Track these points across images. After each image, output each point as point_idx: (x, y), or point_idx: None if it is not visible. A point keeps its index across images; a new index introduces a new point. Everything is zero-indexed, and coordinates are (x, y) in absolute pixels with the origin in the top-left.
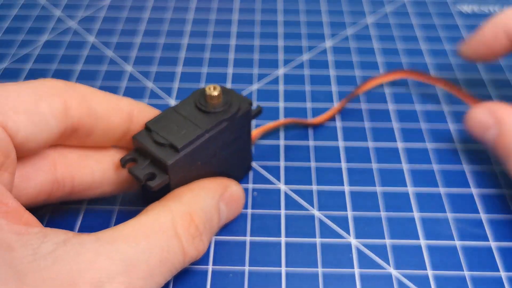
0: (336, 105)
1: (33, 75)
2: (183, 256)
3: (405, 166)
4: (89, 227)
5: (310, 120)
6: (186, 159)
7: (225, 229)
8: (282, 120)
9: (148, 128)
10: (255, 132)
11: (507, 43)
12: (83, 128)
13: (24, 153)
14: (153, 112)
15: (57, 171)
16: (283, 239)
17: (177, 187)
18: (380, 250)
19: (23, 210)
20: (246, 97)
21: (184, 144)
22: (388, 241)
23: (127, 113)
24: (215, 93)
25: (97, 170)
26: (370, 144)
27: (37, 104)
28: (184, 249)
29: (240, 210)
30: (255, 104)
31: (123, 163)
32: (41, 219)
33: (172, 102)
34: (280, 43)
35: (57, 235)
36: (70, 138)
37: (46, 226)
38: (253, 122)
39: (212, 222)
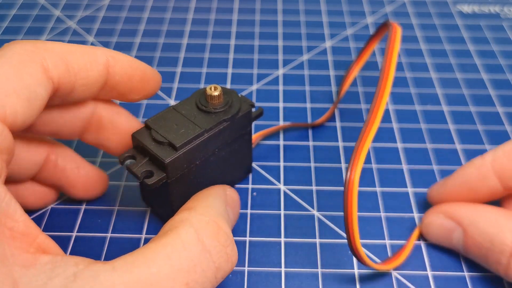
0: (332, 105)
1: None
2: (214, 273)
3: (405, 167)
4: (88, 227)
5: (310, 122)
6: (185, 157)
7: None
8: (281, 124)
9: (147, 126)
10: (254, 136)
11: (499, 188)
12: (64, 87)
13: (20, 131)
14: (128, 60)
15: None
16: (282, 240)
17: (175, 186)
18: (380, 251)
19: (36, 232)
20: (247, 98)
21: (183, 142)
22: (388, 242)
23: (103, 64)
24: (216, 93)
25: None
26: (370, 144)
27: (21, 77)
28: (215, 263)
29: (239, 212)
30: (253, 107)
31: (122, 160)
32: (40, 220)
33: (172, 102)
34: (280, 43)
35: (67, 268)
36: (52, 99)
37: (45, 226)
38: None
39: (221, 212)
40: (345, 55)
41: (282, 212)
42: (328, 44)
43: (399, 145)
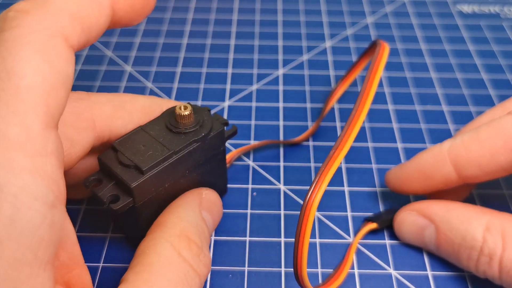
0: (313, 124)
1: None
2: (198, 277)
3: None
4: (88, 226)
5: (288, 140)
6: (152, 181)
7: (224, 229)
8: (257, 142)
9: (114, 148)
10: (230, 155)
11: (454, 177)
12: (81, 47)
13: None
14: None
15: (96, 127)
16: (282, 240)
17: (144, 210)
18: (380, 251)
19: (75, 264)
20: (221, 116)
21: (150, 165)
22: (388, 242)
23: (109, 6)
24: (186, 112)
25: (129, 122)
26: (370, 144)
27: (52, 66)
28: (196, 270)
29: (221, 212)
30: (226, 125)
31: (87, 184)
32: None
33: None
34: (280, 43)
35: None
36: None
37: None
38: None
39: (204, 233)
40: (345, 55)
41: (282, 212)
42: (328, 44)
43: (399, 145)
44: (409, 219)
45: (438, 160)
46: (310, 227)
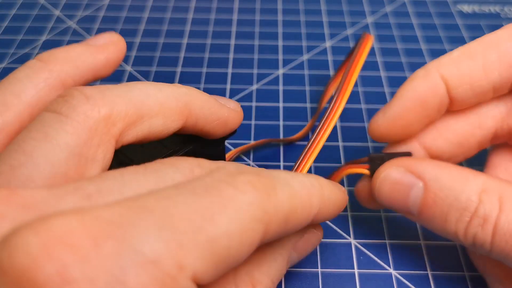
0: (309, 121)
1: None
2: None
3: None
4: None
5: (287, 138)
6: None
7: None
8: (256, 141)
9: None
10: (230, 154)
11: (446, 98)
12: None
13: None
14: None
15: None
16: None
17: None
18: (380, 250)
19: None
20: None
21: None
22: (388, 242)
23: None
24: None
25: None
26: (370, 144)
27: None
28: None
29: (315, 246)
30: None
31: None
32: None
33: None
34: (280, 43)
35: None
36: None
37: None
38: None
39: (280, 273)
40: (345, 55)
41: None
42: (328, 44)
43: None
44: (394, 176)
45: (431, 81)
46: None
